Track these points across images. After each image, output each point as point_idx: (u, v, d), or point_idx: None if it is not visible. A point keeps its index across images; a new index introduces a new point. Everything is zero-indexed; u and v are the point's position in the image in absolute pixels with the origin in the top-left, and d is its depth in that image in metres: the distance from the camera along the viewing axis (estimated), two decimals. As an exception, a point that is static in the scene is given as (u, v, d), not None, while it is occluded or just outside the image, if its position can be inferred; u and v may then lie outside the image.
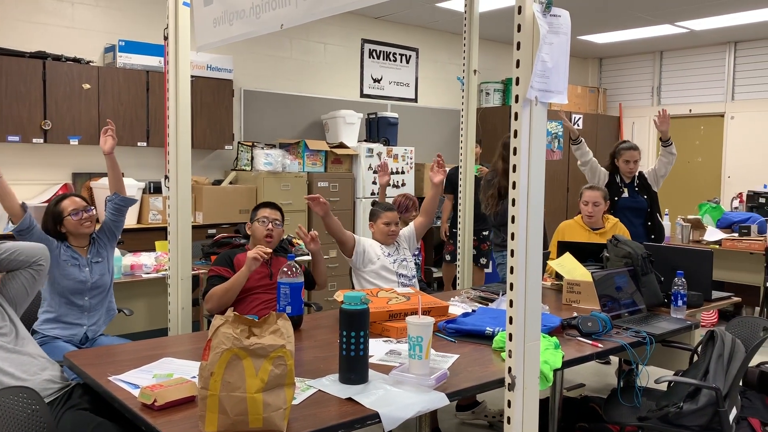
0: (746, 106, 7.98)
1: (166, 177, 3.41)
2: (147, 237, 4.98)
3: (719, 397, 2.45)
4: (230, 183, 5.88)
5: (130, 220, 5.21)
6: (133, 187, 5.19)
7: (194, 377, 1.91)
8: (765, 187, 7.20)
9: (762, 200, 6.68)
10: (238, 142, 6.03)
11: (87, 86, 5.05)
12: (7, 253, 2.42)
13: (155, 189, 5.45)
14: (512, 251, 1.88)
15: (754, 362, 3.07)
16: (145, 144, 5.37)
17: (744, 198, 6.95)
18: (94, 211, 3.25)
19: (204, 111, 5.62)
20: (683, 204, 7.55)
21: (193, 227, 3.52)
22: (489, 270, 5.98)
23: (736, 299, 3.69)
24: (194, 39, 3.42)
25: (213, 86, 5.72)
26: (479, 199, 4.68)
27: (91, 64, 5.19)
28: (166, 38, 3.31)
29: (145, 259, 4.08)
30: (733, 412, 2.60)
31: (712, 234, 5.93)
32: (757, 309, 5.61)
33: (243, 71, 6.18)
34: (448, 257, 6.06)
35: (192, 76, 3.36)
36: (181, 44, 3.27)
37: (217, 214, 5.50)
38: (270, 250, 3.07)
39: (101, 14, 5.46)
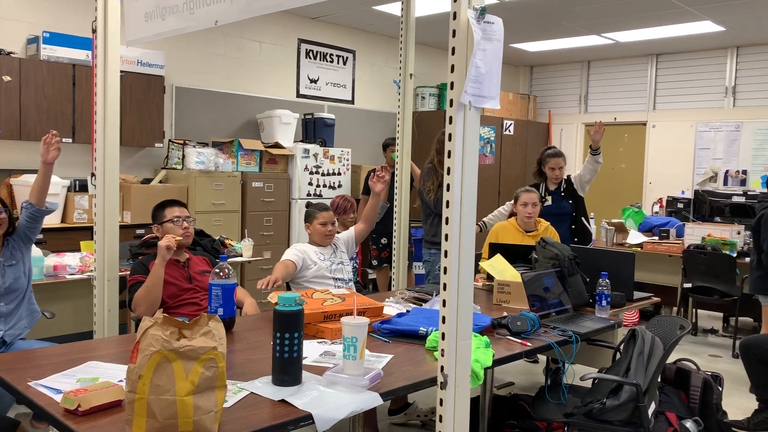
0: (666, 116, 8.39)
1: (93, 175, 3.30)
2: (71, 237, 4.78)
3: (639, 393, 2.57)
4: (160, 182, 5.72)
5: (54, 220, 4.99)
6: (57, 184, 4.99)
7: (121, 381, 1.85)
8: (683, 193, 7.60)
9: (680, 205, 7.05)
10: (169, 140, 5.88)
11: (7, 78, 4.81)
12: None
13: (81, 187, 5.24)
14: (446, 252, 1.92)
15: (671, 359, 3.23)
16: (70, 140, 5.17)
17: (664, 203, 7.31)
18: (4, 214, 3.07)
19: (134, 107, 5.45)
20: (608, 208, 7.87)
21: (121, 227, 3.42)
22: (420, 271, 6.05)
23: (655, 299, 3.87)
24: (124, 33, 3.32)
25: (143, 82, 5.56)
26: (420, 190, 4.78)
27: (12, 55, 4.95)
28: (94, 31, 3.21)
29: (70, 259, 3.93)
30: (652, 406, 2.73)
31: (635, 237, 6.21)
32: (675, 309, 5.90)
33: (175, 67, 6.04)
34: (375, 262, 6.11)
35: (121, 71, 3.27)
36: (111, 38, 3.17)
37: (146, 214, 5.29)
38: (179, 237, 3.01)
39: (24, 3, 5.21)
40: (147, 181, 5.74)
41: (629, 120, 8.67)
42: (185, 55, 6.16)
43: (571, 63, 9.19)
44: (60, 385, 1.92)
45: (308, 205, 3.90)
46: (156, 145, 5.73)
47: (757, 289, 4.23)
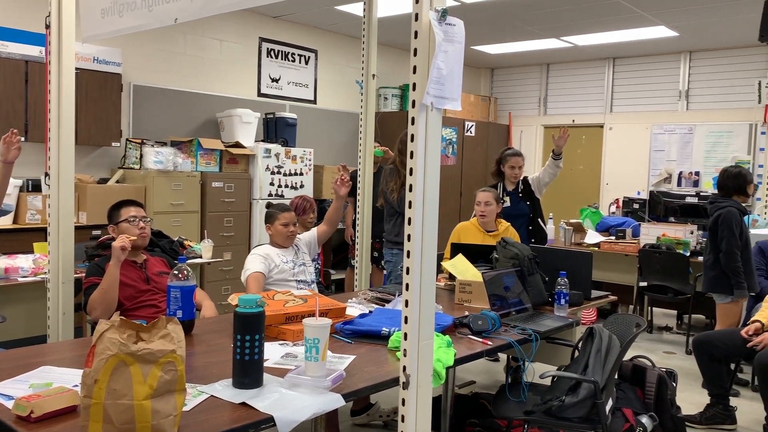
0: (623, 119, 8.58)
1: (47, 174, 3.21)
2: (24, 238, 4.65)
3: (597, 390, 2.62)
4: (117, 182, 5.60)
5: (5, 221, 4.84)
6: (8, 184, 4.83)
7: (76, 386, 1.80)
8: (638, 193, 7.79)
9: (636, 206, 7.22)
10: (127, 139, 5.76)
11: (-45, 74, 4.65)
12: None
13: (34, 187, 5.10)
14: (408, 252, 1.92)
15: (627, 356, 3.30)
16: (23, 139, 4.98)
17: (620, 204, 7.48)
18: None
19: (89, 106, 5.33)
20: (566, 209, 8.01)
21: (76, 228, 3.34)
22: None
23: (612, 298, 3.95)
24: (79, 29, 3.24)
25: (100, 80, 5.44)
26: (383, 190, 4.79)
27: (-40, 50, 4.79)
28: (48, 27, 3.12)
29: (22, 261, 3.82)
30: (609, 403, 2.79)
31: (592, 237, 6.33)
32: (631, 307, 6.04)
33: (133, 65, 5.92)
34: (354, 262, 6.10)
35: (77, 69, 3.18)
36: (65, 34, 3.09)
37: (102, 215, 5.17)
38: (134, 238, 2.96)
39: (-27, -3, 5.05)
40: (104, 180, 5.61)
41: (587, 122, 8.84)
42: (143, 52, 6.04)
43: (530, 65, 9.33)
44: (12, 391, 1.86)
45: (269, 205, 3.87)
46: (113, 144, 5.61)
47: (712, 287, 4.35)
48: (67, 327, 3.16)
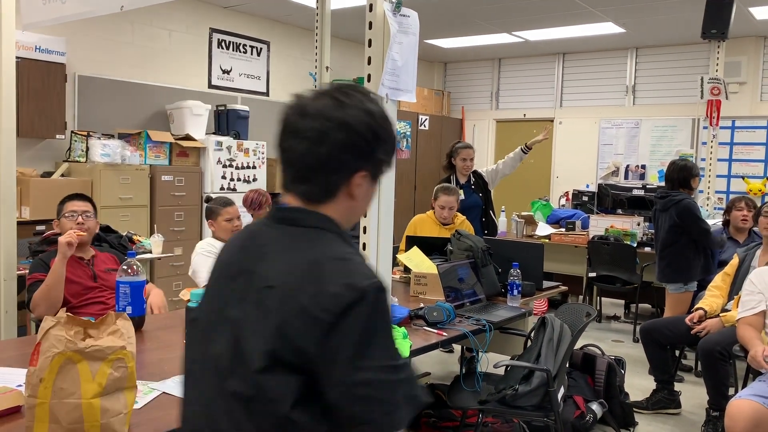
0: (572, 113, 8.76)
1: (-14, 167, 3.08)
2: (-38, 234, 4.45)
3: (549, 378, 2.67)
4: (62, 175, 5.42)
5: (-59, 216, 4.63)
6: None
7: (20, 386, 1.74)
8: (587, 186, 7.97)
9: (585, 198, 7.39)
10: (72, 132, 5.57)
11: None
12: None
13: (-28, 181, 4.89)
14: (364, 245, 1.92)
15: (578, 345, 3.38)
16: (-41, 130, 4.80)
17: (570, 196, 7.64)
18: None
19: (32, 96, 5.13)
20: (517, 201, 8.13)
21: (19, 223, 3.23)
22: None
23: (563, 288, 4.04)
24: (20, 16, 3.11)
25: (42, 69, 5.24)
26: None
27: None
28: (-15, 13, 2.99)
29: (-40, 258, 3.65)
30: (561, 391, 2.85)
31: (543, 229, 6.45)
32: (581, 297, 6.19)
33: (78, 55, 5.72)
34: None
35: (18, 58, 3.06)
36: (4, 21, 2.97)
37: (46, 209, 5.03)
38: (82, 233, 2.84)
39: None
40: (48, 174, 5.42)
41: (538, 116, 8.99)
42: (89, 42, 5.85)
43: (483, 60, 9.42)
44: (-50, 393, 1.78)
45: (208, 200, 3.76)
46: (57, 136, 5.42)
47: (665, 277, 4.49)
48: (10, 325, 3.05)
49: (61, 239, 2.76)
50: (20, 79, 3.09)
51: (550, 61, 8.89)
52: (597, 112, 8.53)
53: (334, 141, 1.17)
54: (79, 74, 5.77)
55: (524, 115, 9.07)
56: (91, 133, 5.57)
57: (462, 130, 9.43)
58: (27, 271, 3.78)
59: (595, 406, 3.45)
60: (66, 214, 2.95)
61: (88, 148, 5.46)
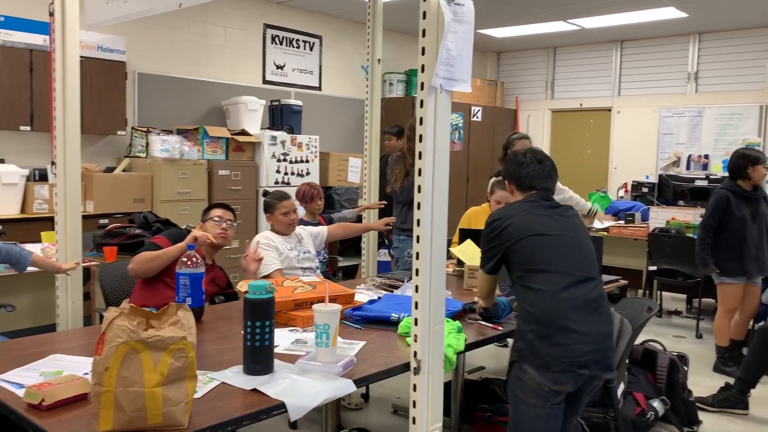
0: (630, 102, 8.50)
1: (53, 163, 3.19)
2: (31, 227, 4.64)
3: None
4: (123, 170, 5.59)
5: (13, 210, 4.85)
6: (15, 174, 4.84)
7: (86, 374, 1.80)
8: (647, 177, 7.73)
9: (645, 189, 7.17)
10: (132, 128, 5.74)
11: (-40, 64, 4.63)
12: None
13: (41, 176, 5.09)
14: (418, 237, 1.90)
15: (638, 341, 3.29)
16: (28, 128, 5.01)
17: (629, 188, 7.43)
18: None
19: (95, 94, 5.31)
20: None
21: (84, 217, 3.33)
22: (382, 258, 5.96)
23: (622, 282, 3.93)
24: (84, 16, 3.21)
25: (104, 68, 5.41)
26: (387, 179, 4.75)
27: (-36, 39, 4.77)
28: (51, 14, 3.09)
29: (31, 250, 3.81)
30: (621, 387, 2.77)
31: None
32: (640, 291, 6.01)
33: (137, 53, 5.89)
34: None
35: (81, 57, 3.16)
36: (69, 21, 3.06)
37: (109, 203, 5.22)
38: (212, 237, 2.99)
39: (-24, -14, 5.02)
40: (110, 169, 5.61)
41: (595, 106, 8.77)
42: (148, 40, 6.01)
43: (537, 49, 9.24)
44: (22, 380, 1.86)
45: (265, 194, 3.83)
46: (118, 132, 5.60)
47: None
48: (76, 315, 3.16)
49: (195, 231, 2.93)
50: (84, 77, 3.19)
51: (608, 48, 8.64)
52: (657, 101, 8.25)
53: None
54: (139, 72, 5.94)
55: (581, 104, 8.86)
56: (150, 129, 5.73)
57: (516, 120, 9.28)
58: (91, 264, 3.92)
59: (656, 404, 3.34)
60: (214, 218, 3.11)
61: (148, 144, 5.62)
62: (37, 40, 5.00)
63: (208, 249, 3.08)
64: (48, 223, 4.26)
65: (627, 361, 3.01)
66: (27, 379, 1.86)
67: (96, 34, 5.23)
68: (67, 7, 3.05)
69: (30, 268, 3.24)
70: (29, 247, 3.83)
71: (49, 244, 3.93)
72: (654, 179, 7.41)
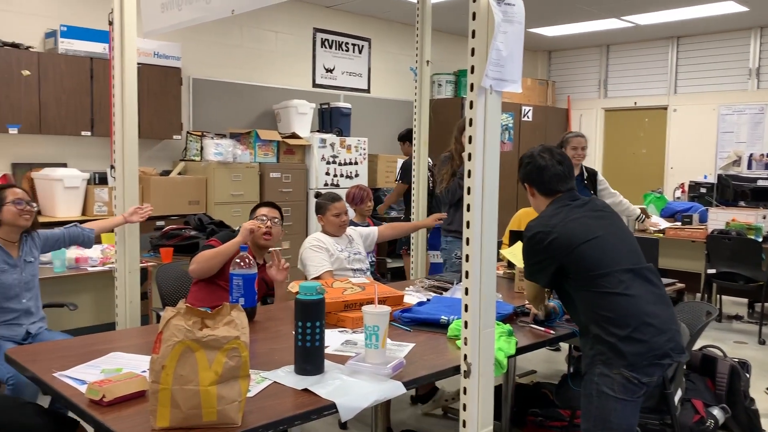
0: (687, 100, 8.24)
1: (112, 167, 3.31)
2: (92, 229, 4.82)
3: (666, 380, 2.52)
4: (179, 174, 5.74)
5: (75, 212, 5.04)
6: (77, 177, 5.03)
7: (144, 371, 1.85)
8: (705, 177, 7.48)
9: (703, 190, 6.94)
10: (187, 132, 5.89)
11: (27, 73, 4.84)
12: None
13: (101, 180, 5.28)
14: (467, 239, 1.89)
15: (697, 346, 3.18)
16: (89, 133, 5.20)
17: (686, 188, 7.20)
18: (36, 207, 3.12)
19: (151, 100, 5.47)
20: (628, 194, 7.69)
21: (141, 219, 3.43)
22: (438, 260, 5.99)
23: (680, 285, 3.81)
24: (140, 24, 3.32)
25: (160, 74, 5.57)
26: (435, 178, 4.74)
27: (30, 49, 4.97)
28: (111, 23, 3.20)
29: (91, 252, 3.96)
30: (678, 393, 2.69)
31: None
32: (698, 295, 5.82)
33: (191, 59, 6.04)
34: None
35: (138, 64, 3.26)
36: (127, 30, 3.17)
37: (165, 206, 5.37)
38: (266, 229, 3.06)
39: (41, -2, 5.24)
40: (166, 173, 5.77)
41: (650, 104, 8.54)
42: (202, 46, 6.16)
43: (589, 47, 9.06)
44: (84, 376, 1.93)
45: (317, 195, 3.88)
46: (174, 137, 5.75)
47: None
48: (134, 314, 3.26)
49: (246, 224, 3.00)
50: (141, 83, 3.29)
51: (663, 45, 8.40)
52: (716, 98, 7.98)
53: None
54: (193, 77, 6.09)
55: (635, 103, 8.64)
56: (204, 133, 5.87)
57: (568, 120, 9.12)
58: (148, 264, 4.04)
59: (716, 411, 3.23)
60: (260, 217, 3.16)
61: (202, 148, 5.76)
62: (97, 48, 5.19)
63: (257, 249, 3.13)
64: (108, 224, 4.42)
65: (685, 367, 2.92)
66: (88, 375, 1.93)
67: (152, 41, 5.39)
68: (125, 16, 3.15)
69: (91, 269, 3.38)
70: (89, 249, 3.98)
71: (108, 245, 4.07)
72: (713, 179, 7.16)
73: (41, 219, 4.25)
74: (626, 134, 8.79)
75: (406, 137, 6.38)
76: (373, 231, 3.91)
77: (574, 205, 2.40)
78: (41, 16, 5.22)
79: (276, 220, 3.19)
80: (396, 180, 6.49)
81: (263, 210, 3.21)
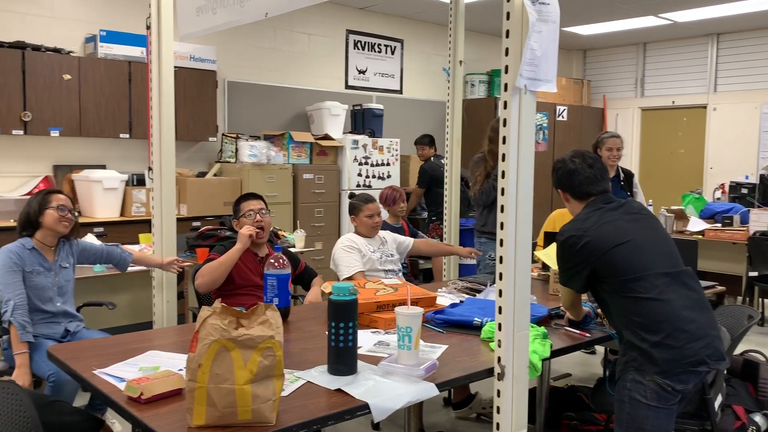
0: (728, 98, 8.05)
1: (150, 169, 3.37)
2: (130, 229, 4.92)
3: (705, 385, 2.47)
4: (215, 175, 5.82)
5: (113, 213, 5.15)
6: (115, 179, 5.14)
7: (181, 370, 1.88)
8: (747, 178, 7.29)
9: (744, 191, 6.76)
10: (223, 134, 5.97)
11: (68, 77, 4.97)
12: None
13: (138, 181, 5.39)
14: (501, 241, 1.87)
15: (737, 350, 3.10)
16: (127, 136, 5.31)
17: (726, 189, 7.02)
18: (77, 217, 3.16)
19: (187, 102, 5.56)
20: (666, 195, 7.61)
21: (178, 220, 3.49)
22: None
23: (720, 288, 3.72)
24: (176, 28, 3.37)
25: (196, 77, 5.66)
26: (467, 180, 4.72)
27: (71, 54, 5.11)
28: (148, 27, 3.27)
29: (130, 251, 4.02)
30: (719, 399, 2.63)
31: (696, 224, 5.99)
32: (739, 298, 5.67)
33: (226, 62, 6.12)
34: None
35: (175, 67, 3.32)
36: (164, 33, 3.23)
37: (201, 207, 5.45)
38: (260, 230, 3.06)
39: (82, 3, 5.37)
40: (202, 174, 5.85)
41: (688, 103, 8.36)
42: (236, 49, 6.24)
43: (626, 46, 8.91)
44: (123, 374, 1.97)
45: (351, 196, 3.89)
46: (210, 139, 5.83)
47: None
48: (171, 314, 3.32)
49: (243, 230, 3.00)
50: (177, 86, 3.35)
51: (702, 42, 8.22)
52: (758, 96, 7.77)
53: None
54: (228, 80, 6.17)
55: (673, 102, 8.48)
56: (239, 136, 5.94)
57: (603, 119, 8.99)
58: (185, 264, 4.09)
59: (758, 418, 3.14)
60: (246, 214, 3.15)
61: (237, 150, 5.83)
62: (135, 52, 5.29)
63: (254, 246, 3.11)
64: (145, 225, 4.52)
65: (725, 372, 2.85)
66: (127, 373, 1.97)
67: (188, 44, 5.48)
68: (162, 20, 3.22)
69: (130, 268, 3.45)
70: (128, 248, 4.06)
71: (146, 245, 4.14)
72: (754, 179, 6.98)
73: (81, 220, 4.35)
74: (664, 134, 8.62)
75: (422, 141, 6.48)
76: (409, 242, 3.89)
77: (608, 208, 2.37)
78: (82, 22, 5.35)
79: (263, 210, 3.17)
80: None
81: (250, 205, 3.16)
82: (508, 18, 1.80)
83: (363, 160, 6.43)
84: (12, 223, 4.41)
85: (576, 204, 2.48)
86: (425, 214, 6.70)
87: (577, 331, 2.58)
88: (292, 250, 4.81)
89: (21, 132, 4.81)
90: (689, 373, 2.14)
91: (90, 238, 4.02)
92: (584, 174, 2.44)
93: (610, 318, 2.35)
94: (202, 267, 3.00)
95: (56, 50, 4.99)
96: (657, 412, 2.14)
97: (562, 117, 8.18)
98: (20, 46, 4.81)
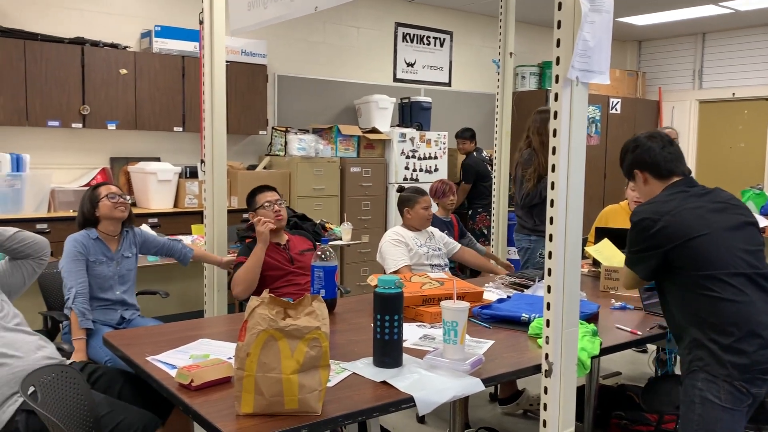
0: (793, 90, 7.71)
1: (202, 162, 3.44)
2: (183, 220, 5.04)
3: None
4: (264, 168, 5.91)
5: (167, 205, 5.28)
6: (169, 171, 5.27)
7: (230, 358, 1.92)
8: (811, 173, 6.98)
9: (808, 186, 6.47)
10: (272, 128, 6.05)
11: (124, 72, 5.11)
12: (24, 242, 2.47)
13: (191, 173, 5.51)
14: (551, 236, 1.84)
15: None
16: (181, 129, 5.43)
17: (789, 184, 6.74)
18: (129, 200, 3.26)
19: (238, 96, 5.65)
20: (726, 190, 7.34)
21: (228, 211, 3.55)
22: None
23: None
24: (228, 23, 3.43)
25: (247, 71, 5.74)
26: (515, 177, 4.62)
27: (127, 49, 5.25)
28: (201, 23, 3.33)
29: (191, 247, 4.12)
30: (778, 403, 2.53)
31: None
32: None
33: (276, 56, 6.19)
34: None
35: (227, 61, 3.37)
36: (217, 28, 3.28)
37: (251, 199, 5.53)
38: (273, 222, 3.12)
39: None
40: (252, 167, 5.95)
41: (749, 95, 8.04)
42: (286, 43, 6.30)
43: (683, 36, 8.63)
44: (174, 361, 2.02)
45: (400, 189, 3.86)
46: (260, 132, 5.92)
47: None
48: (221, 303, 3.39)
49: (259, 228, 3.04)
50: (228, 80, 3.41)
51: (765, 32, 7.89)
52: (824, 88, 7.42)
53: None
54: (278, 74, 6.25)
55: (733, 94, 8.17)
56: (288, 129, 6.01)
57: (659, 112, 8.73)
58: (235, 254, 4.16)
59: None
60: (264, 205, 3.20)
61: (286, 143, 5.90)
62: (188, 47, 5.41)
63: (273, 235, 3.17)
64: (197, 216, 4.63)
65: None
66: (178, 360, 2.02)
67: (240, 39, 5.57)
68: (215, 15, 3.27)
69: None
70: (180, 239, 4.16)
71: (198, 236, 4.24)
72: (820, 175, 6.68)
73: (135, 211, 4.48)
74: (723, 127, 8.33)
75: (463, 135, 6.47)
76: (456, 246, 3.84)
77: (692, 193, 2.15)
78: (137, 17, 5.49)
79: (280, 201, 3.24)
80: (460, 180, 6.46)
81: (267, 196, 3.23)
82: (559, 8, 1.76)
83: (410, 154, 6.41)
84: (72, 213, 4.58)
85: (657, 184, 2.25)
86: (468, 209, 6.64)
87: (628, 329, 2.52)
88: (338, 243, 4.85)
89: (80, 125, 4.98)
90: (759, 380, 2.00)
91: (145, 229, 4.13)
92: (667, 150, 2.23)
93: (670, 313, 2.20)
94: (235, 275, 3.07)
95: (113, 45, 5.14)
96: (732, 415, 1.99)
97: (616, 110, 7.99)
98: (80, 41, 4.97)
